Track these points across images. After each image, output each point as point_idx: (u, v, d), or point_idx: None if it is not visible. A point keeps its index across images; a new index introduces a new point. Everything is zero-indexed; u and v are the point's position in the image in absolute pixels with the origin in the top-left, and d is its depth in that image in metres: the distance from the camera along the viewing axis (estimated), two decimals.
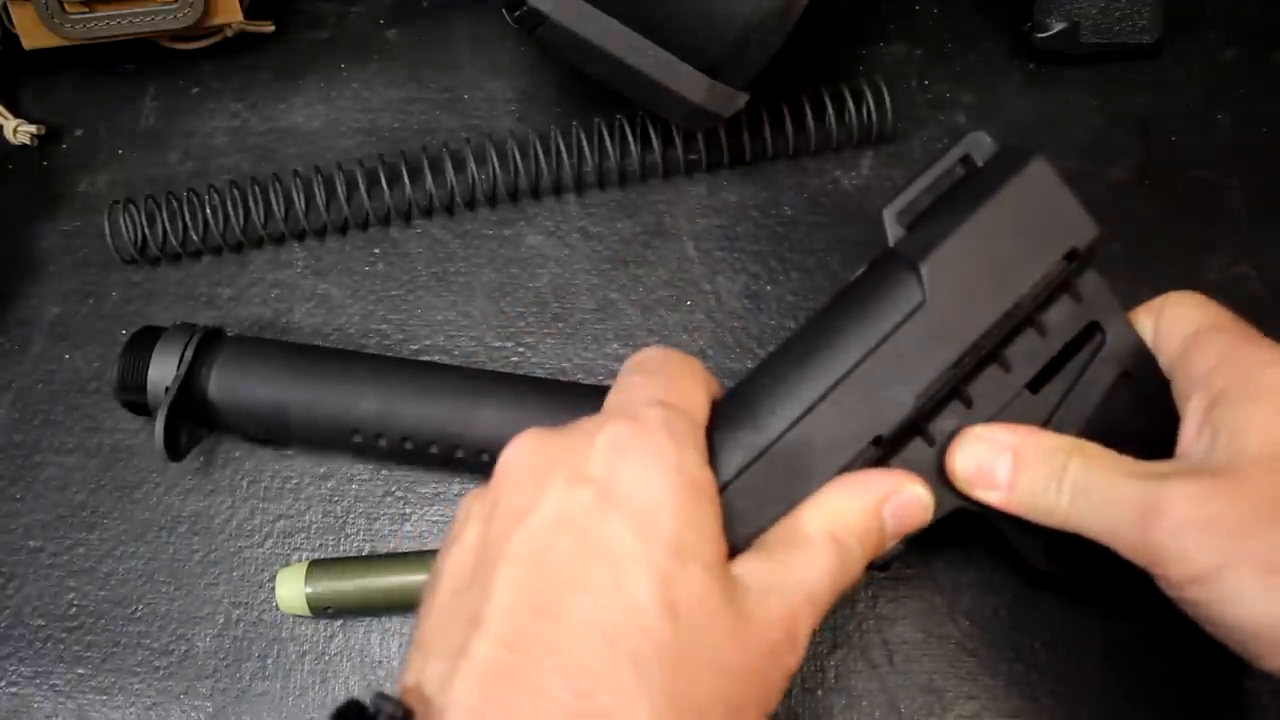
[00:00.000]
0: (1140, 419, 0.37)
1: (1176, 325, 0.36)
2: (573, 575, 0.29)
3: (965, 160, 0.37)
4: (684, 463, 0.30)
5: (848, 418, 0.34)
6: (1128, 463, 0.34)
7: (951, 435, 0.36)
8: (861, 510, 0.33)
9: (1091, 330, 0.37)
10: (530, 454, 0.32)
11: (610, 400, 0.33)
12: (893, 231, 0.37)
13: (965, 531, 0.37)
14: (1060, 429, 0.36)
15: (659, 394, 0.32)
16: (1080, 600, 0.41)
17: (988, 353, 0.36)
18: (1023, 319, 0.36)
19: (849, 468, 0.34)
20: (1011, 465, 0.35)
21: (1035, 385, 0.37)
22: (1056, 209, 0.35)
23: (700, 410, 0.33)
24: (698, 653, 0.28)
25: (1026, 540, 0.37)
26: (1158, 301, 0.37)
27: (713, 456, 0.33)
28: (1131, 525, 0.32)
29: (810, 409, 0.34)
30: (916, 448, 0.36)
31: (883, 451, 0.35)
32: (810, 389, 0.34)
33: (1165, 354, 0.37)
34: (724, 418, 0.34)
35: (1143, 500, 0.32)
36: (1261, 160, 0.50)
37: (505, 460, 0.32)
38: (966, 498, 0.36)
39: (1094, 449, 0.34)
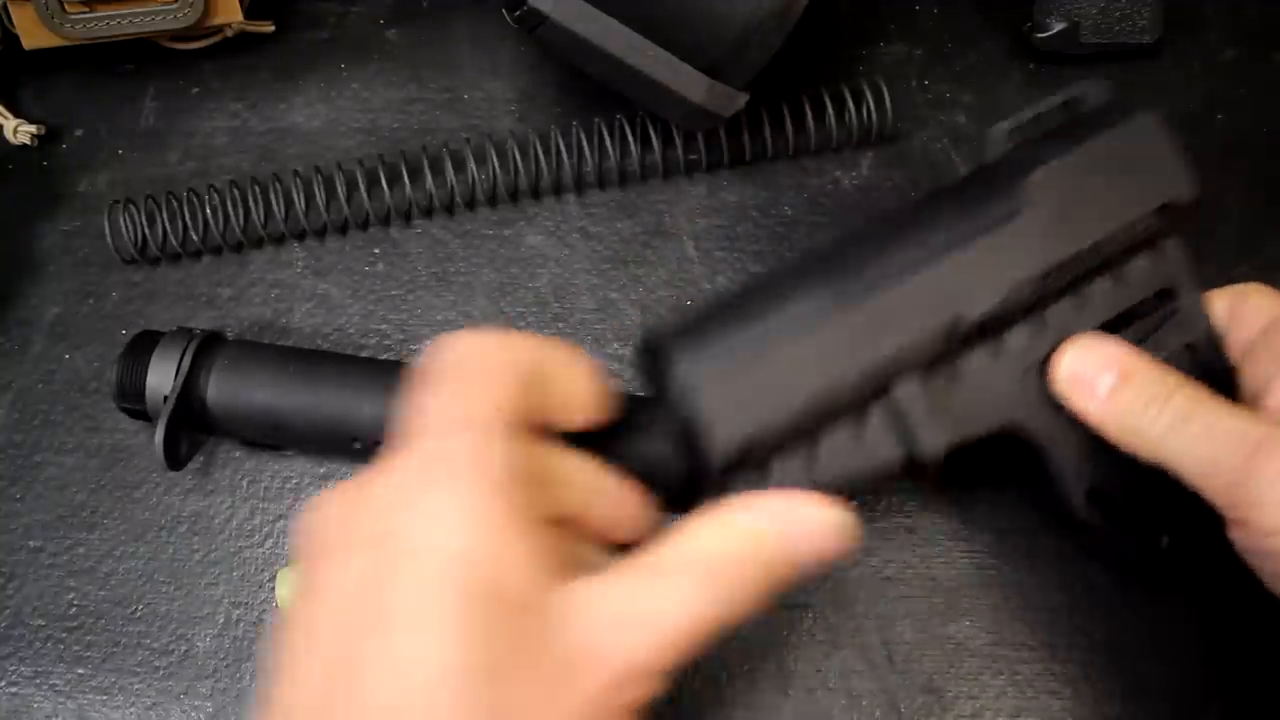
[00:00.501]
0: None
1: (1257, 313, 0.37)
2: (361, 654, 0.25)
3: (1077, 102, 0.38)
4: (481, 493, 0.27)
5: (925, 301, 0.35)
6: (1232, 404, 0.33)
7: (1017, 353, 0.36)
8: (742, 535, 0.30)
9: (1167, 295, 0.38)
10: (321, 520, 0.29)
11: (406, 426, 0.29)
12: (996, 149, 0.38)
13: (1000, 464, 0.37)
14: None
15: (452, 411, 0.29)
16: (1103, 555, 0.41)
17: (1066, 284, 0.36)
18: (1104, 261, 0.37)
19: (916, 347, 0.35)
20: (1117, 378, 0.34)
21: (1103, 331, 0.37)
22: (1162, 161, 0.37)
23: (503, 410, 0.29)
24: (516, 707, 0.25)
25: (1070, 478, 0.37)
26: (1237, 288, 0.38)
27: (799, 302, 0.34)
28: (1232, 464, 0.31)
29: (891, 285, 0.35)
30: (979, 358, 0.36)
31: (954, 345, 0.36)
32: (894, 268, 0.35)
33: (1240, 336, 0.37)
34: (812, 271, 0.35)
35: (1251, 437, 0.31)
36: (1261, 160, 0.50)
37: (301, 531, 0.29)
38: (1019, 416, 0.36)
39: (1201, 386, 0.34)
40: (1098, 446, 0.36)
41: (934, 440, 0.35)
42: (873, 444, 0.35)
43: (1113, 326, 0.38)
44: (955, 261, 0.35)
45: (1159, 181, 0.37)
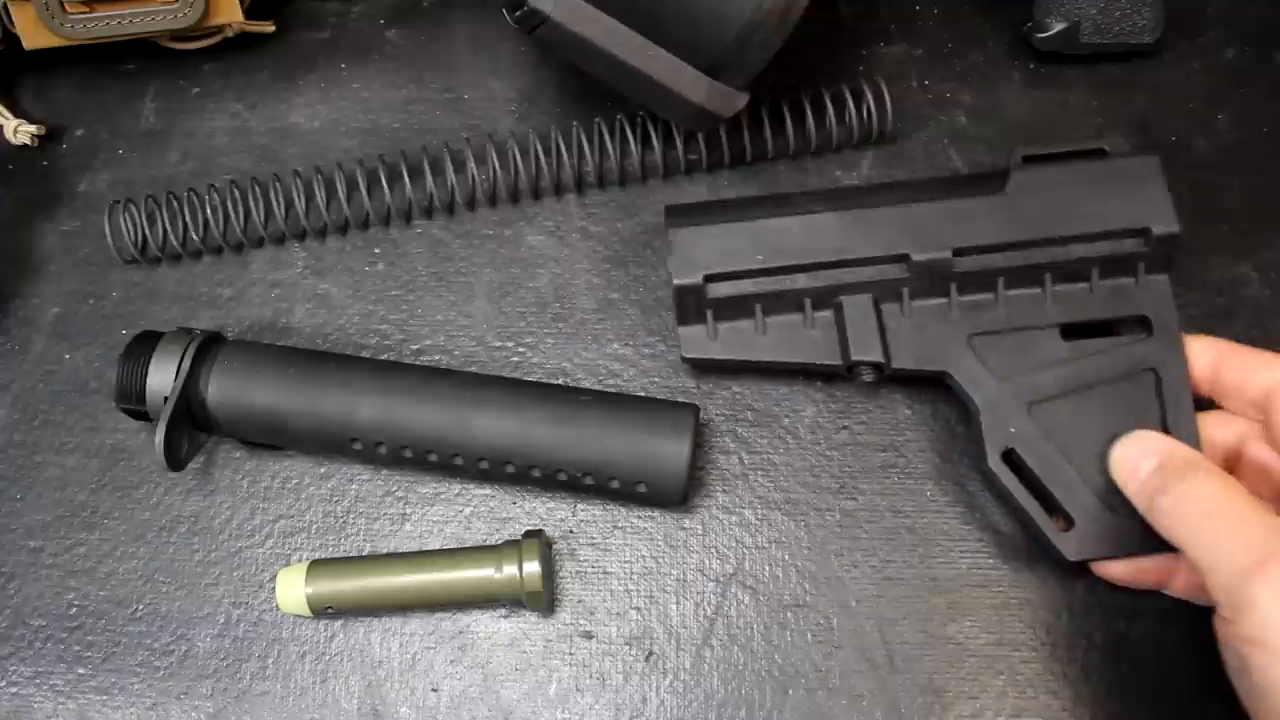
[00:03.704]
0: (1147, 412, 0.41)
1: None
2: None
3: (1100, 151, 0.44)
4: None
5: (882, 230, 0.42)
6: (1254, 502, 0.34)
7: (969, 315, 0.42)
8: None
9: (1141, 322, 0.42)
10: None
11: None
12: (1012, 161, 0.44)
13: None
14: (1067, 380, 0.41)
15: None
16: (1004, 502, 0.43)
17: (1032, 272, 0.42)
18: (1077, 266, 0.42)
19: (865, 267, 0.42)
20: (1154, 465, 0.38)
21: (1069, 333, 0.42)
22: (1148, 194, 0.42)
23: None
24: None
25: (989, 434, 0.41)
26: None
27: (773, 204, 0.44)
28: (1238, 566, 0.32)
29: (853, 209, 0.42)
30: (934, 306, 0.43)
31: (912, 276, 0.42)
32: (868, 201, 0.43)
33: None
34: (805, 193, 0.44)
35: (1265, 548, 0.32)
36: (1261, 160, 0.50)
37: None
38: (952, 368, 0.42)
39: (1227, 477, 0.35)
40: (1026, 421, 0.41)
41: (870, 355, 0.42)
42: (817, 338, 0.43)
43: (1080, 331, 0.42)
44: (923, 209, 0.42)
45: (1143, 208, 0.41)
